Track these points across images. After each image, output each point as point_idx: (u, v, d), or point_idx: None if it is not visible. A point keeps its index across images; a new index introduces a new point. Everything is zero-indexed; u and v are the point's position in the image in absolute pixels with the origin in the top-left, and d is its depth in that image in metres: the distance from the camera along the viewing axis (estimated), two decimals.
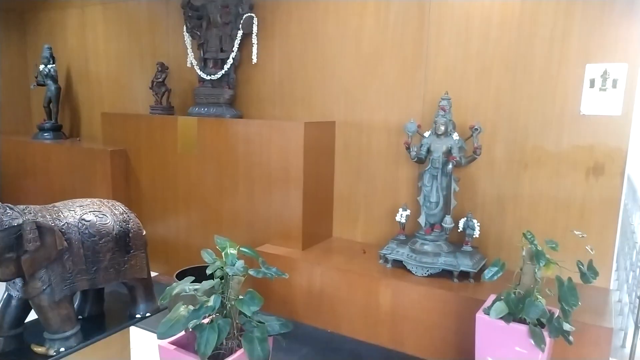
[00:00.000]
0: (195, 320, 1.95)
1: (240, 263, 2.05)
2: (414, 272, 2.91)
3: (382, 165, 3.41)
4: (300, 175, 3.28)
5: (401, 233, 3.15)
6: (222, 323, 1.97)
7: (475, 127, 2.82)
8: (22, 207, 1.78)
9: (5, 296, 1.91)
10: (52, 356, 1.84)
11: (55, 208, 1.92)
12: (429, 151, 2.95)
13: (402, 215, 3.11)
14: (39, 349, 1.87)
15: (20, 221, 1.69)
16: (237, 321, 2.05)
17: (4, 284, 1.85)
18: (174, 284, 2.07)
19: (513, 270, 2.29)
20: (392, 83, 3.29)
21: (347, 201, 3.61)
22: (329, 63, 3.53)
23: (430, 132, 2.97)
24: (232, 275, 2.03)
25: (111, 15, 4.77)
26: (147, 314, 2.20)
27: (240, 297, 2.05)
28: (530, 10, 2.79)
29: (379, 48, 3.31)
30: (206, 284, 2.04)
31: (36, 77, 4.91)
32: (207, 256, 2.16)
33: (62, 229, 1.82)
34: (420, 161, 3.00)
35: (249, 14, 3.63)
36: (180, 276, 3.03)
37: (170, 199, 3.98)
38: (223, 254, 2.11)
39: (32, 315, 1.96)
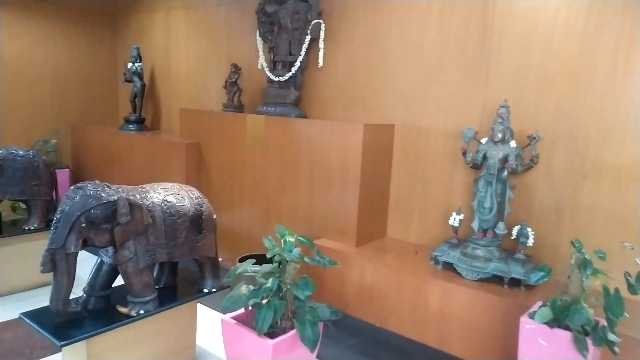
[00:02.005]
0: (254, 299, 2.19)
1: (297, 250, 2.27)
2: (464, 275, 3.00)
3: (438, 169, 3.52)
4: (357, 174, 3.46)
5: (454, 236, 3.24)
6: (277, 304, 2.19)
7: (533, 135, 2.87)
8: (116, 186, 2.11)
9: (98, 262, 2.26)
10: (132, 316, 2.16)
11: (143, 189, 2.24)
12: (485, 157, 3.02)
13: (455, 219, 3.20)
14: (123, 309, 2.20)
15: (116, 197, 2.02)
16: (291, 304, 2.27)
17: (97, 251, 2.20)
18: (238, 264, 2.33)
19: (565, 281, 2.33)
20: (452, 89, 3.40)
21: (402, 203, 3.74)
22: (391, 68, 3.69)
23: (487, 138, 3.04)
24: (289, 260, 2.25)
25: (192, 19, 5.22)
26: (213, 290, 2.48)
27: (296, 282, 2.27)
28: (595, 21, 2.80)
29: (441, 54, 3.43)
30: (266, 267, 2.28)
31: (124, 74, 5.45)
32: (267, 242, 2.40)
33: (149, 207, 2.13)
34: (476, 167, 3.09)
35: (317, 20, 3.87)
36: (243, 261, 3.31)
37: (236, 190, 4.31)
38: (282, 241, 2.34)
39: (119, 281, 2.29)
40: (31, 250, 3.30)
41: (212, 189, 4.52)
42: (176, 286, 2.50)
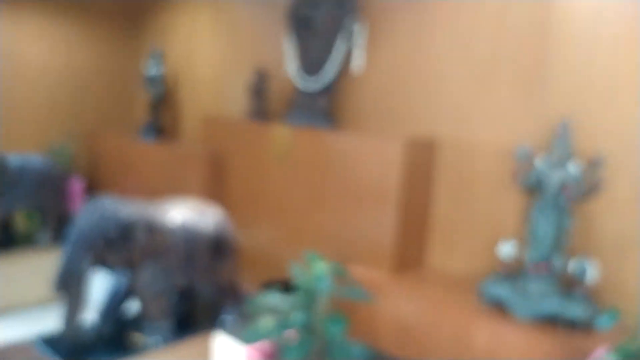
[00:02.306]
0: (279, 333, 2.11)
1: (328, 280, 2.18)
2: (515, 313, 2.83)
3: (485, 191, 3.37)
4: (395, 195, 3.33)
5: (503, 268, 3.08)
6: (306, 339, 2.10)
7: (596, 157, 2.71)
8: (135, 202, 2.07)
9: (114, 284, 2.22)
10: (148, 343, 2.10)
11: (163, 207, 2.19)
12: (540, 181, 2.88)
13: (505, 249, 3.05)
14: (137, 336, 2.15)
15: (135, 217, 1.98)
16: (320, 340, 2.17)
17: (113, 272, 2.16)
18: (262, 293, 2.25)
19: (632, 324, 2.17)
20: (504, 102, 3.25)
21: (444, 227, 3.59)
22: (434, 77, 3.56)
23: (544, 159, 2.89)
24: (320, 292, 2.16)
25: (216, 21, 5.21)
26: (234, 318, 2.41)
27: (326, 316, 2.18)
28: None
29: (492, 63, 3.29)
30: (293, 298, 2.20)
31: (145, 80, 5.49)
32: (295, 270, 2.32)
33: (168, 227, 2.08)
34: (530, 191, 2.94)
35: (354, 25, 3.80)
36: (266, 287, 3.24)
37: (258, 206, 4.23)
38: (312, 268, 2.25)
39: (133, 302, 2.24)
40: (44, 263, 3.30)
41: (233, 204, 4.44)
42: (194, 313, 2.44)
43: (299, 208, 3.90)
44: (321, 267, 2.21)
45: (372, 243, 3.46)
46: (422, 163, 3.51)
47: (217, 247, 2.26)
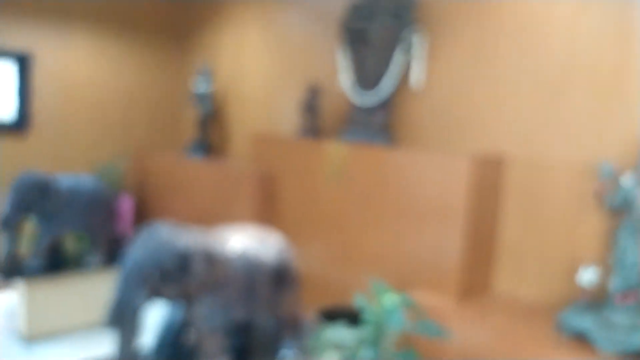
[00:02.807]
0: None
1: (400, 314, 2.02)
2: (599, 348, 2.58)
3: (561, 212, 3.13)
4: (460, 215, 3.15)
5: (584, 297, 2.83)
6: None
7: None
8: (192, 230, 1.98)
9: (167, 317, 2.13)
10: None
11: (221, 234, 2.09)
12: (629, 201, 2.63)
13: (585, 276, 2.80)
14: None
15: (192, 247, 1.88)
16: None
17: (169, 303, 2.07)
18: (324, 325, 2.11)
19: None
20: (581, 114, 3.02)
21: (513, 250, 3.37)
22: (501, 89, 3.38)
23: (631, 177, 2.65)
24: (390, 327, 2.00)
25: (266, 36, 5.20)
26: (295, 353, 2.28)
27: (396, 351, 2.02)
28: None
29: (566, 72, 3.08)
30: (359, 332, 2.05)
31: (193, 97, 5.52)
32: (360, 300, 2.17)
33: (228, 257, 1.98)
34: (617, 212, 2.69)
35: (412, 36, 3.66)
36: (325, 317, 3.10)
37: (311, 227, 4.12)
38: (380, 300, 2.10)
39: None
40: (95, 287, 3.30)
41: (285, 224, 4.35)
42: (253, 348, 2.32)
43: (356, 229, 3.76)
44: (391, 300, 2.05)
45: (435, 266, 3.28)
46: (489, 181, 3.32)
47: (278, 278, 2.14)
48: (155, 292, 1.85)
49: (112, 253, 3.49)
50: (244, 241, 2.08)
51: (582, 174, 3.01)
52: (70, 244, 3.92)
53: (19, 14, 5.04)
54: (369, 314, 2.04)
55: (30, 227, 3.58)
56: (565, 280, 3.11)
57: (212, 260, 1.91)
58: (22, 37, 5.10)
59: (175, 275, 1.85)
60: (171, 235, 1.88)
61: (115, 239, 3.53)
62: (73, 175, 3.48)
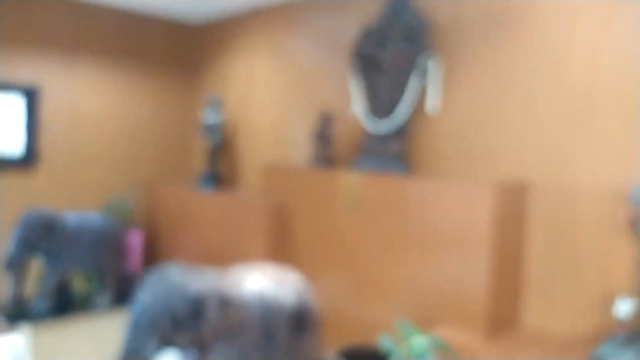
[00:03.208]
0: None
1: (429, 357, 1.88)
2: None
3: (591, 240, 2.99)
4: (485, 246, 3.02)
5: (622, 330, 2.67)
6: None
7: None
8: (205, 271, 1.86)
9: None
10: None
11: (236, 275, 1.97)
12: None
13: (622, 308, 2.65)
14: None
15: (206, 290, 1.76)
16: None
17: (181, 353, 1.94)
18: None
19: None
20: (609, 137, 2.91)
21: (542, 281, 3.22)
22: (521, 113, 3.28)
23: None
24: None
25: (276, 66, 5.17)
26: None
27: None
28: None
29: (590, 97, 2.98)
30: None
31: (202, 128, 5.46)
32: (386, 342, 2.03)
33: (243, 300, 1.85)
34: None
35: (427, 62, 3.59)
36: (345, 356, 2.95)
37: (327, 261, 3.99)
38: (408, 342, 1.96)
39: None
40: (104, 329, 3.16)
41: (298, 257, 4.24)
42: None
43: (375, 262, 3.64)
44: (419, 342, 1.91)
45: (460, 300, 3.14)
46: (512, 209, 3.21)
47: (298, 322, 2.00)
48: (166, 341, 1.72)
49: (122, 292, 3.37)
50: (260, 282, 1.96)
51: (613, 200, 2.88)
52: (78, 283, 3.81)
53: (26, 48, 5.05)
54: (396, 357, 1.89)
55: (36, 267, 3.48)
56: (599, 312, 2.95)
57: (227, 304, 1.79)
58: (30, 71, 5.09)
59: (187, 322, 1.72)
60: (183, 277, 1.76)
61: (124, 277, 3.41)
62: (80, 212, 3.38)
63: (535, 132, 3.22)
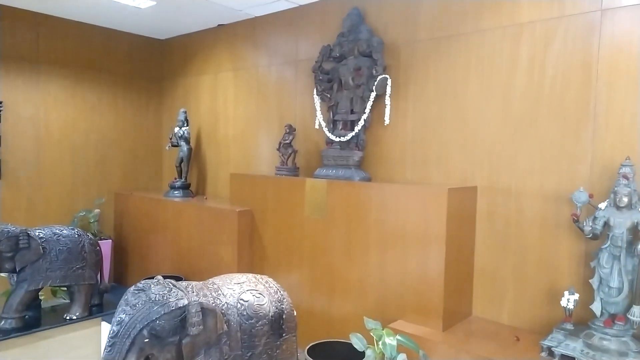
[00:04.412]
0: None
1: (402, 357, 1.80)
2: None
3: (535, 237, 3.01)
4: (441, 245, 2.98)
5: (568, 321, 2.68)
6: None
7: None
8: (184, 284, 1.71)
9: None
10: None
11: (214, 285, 1.83)
12: (607, 226, 2.52)
13: (569, 300, 2.66)
14: None
15: (186, 302, 1.61)
16: None
17: None
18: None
19: None
20: (549, 145, 2.94)
21: (491, 276, 3.21)
22: (470, 124, 3.28)
23: (607, 203, 2.54)
24: None
25: (241, 80, 5.02)
26: None
27: None
28: None
29: (533, 107, 3.00)
30: None
31: (170, 139, 5.23)
32: (357, 342, 1.94)
33: (223, 310, 1.71)
34: (595, 237, 2.58)
35: (383, 76, 3.55)
36: (311, 351, 2.84)
37: (294, 263, 3.87)
38: (379, 343, 1.88)
39: None
40: (74, 341, 2.92)
41: (266, 261, 4.10)
42: None
43: (337, 262, 3.55)
44: (391, 343, 1.83)
45: (420, 297, 3.10)
46: (464, 210, 3.20)
47: (276, 326, 1.87)
48: (147, 356, 1.56)
49: (94, 304, 3.14)
50: (239, 291, 1.83)
51: (554, 199, 2.91)
52: (49, 297, 3.51)
53: None
54: (369, 356, 1.81)
55: (3, 284, 3.18)
56: (545, 304, 2.96)
57: (208, 314, 1.65)
58: None
59: (168, 336, 1.57)
60: (162, 291, 1.60)
61: (97, 290, 3.17)
62: (48, 226, 3.11)
63: (483, 140, 3.22)
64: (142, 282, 1.64)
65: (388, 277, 3.26)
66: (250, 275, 1.99)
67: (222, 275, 1.95)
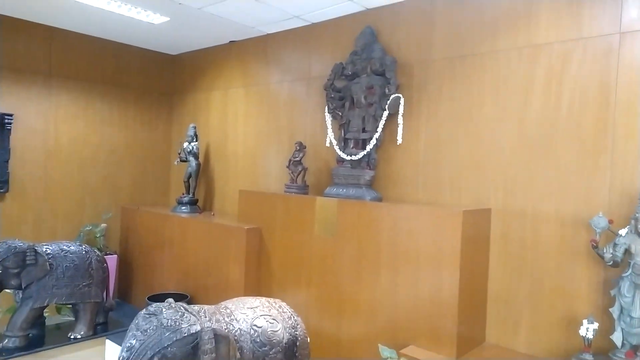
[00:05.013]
0: None
1: None
2: None
3: (552, 263, 2.93)
4: (455, 268, 2.91)
5: (587, 351, 2.59)
6: None
7: None
8: (196, 308, 1.66)
9: None
10: None
11: (227, 310, 1.77)
12: (627, 253, 2.45)
13: (588, 329, 2.57)
14: None
15: (199, 328, 1.55)
16: None
17: None
18: None
19: None
20: (567, 168, 2.88)
21: (505, 302, 3.13)
22: (484, 145, 3.23)
23: (628, 229, 2.48)
24: None
25: (252, 96, 5.01)
26: None
27: None
28: None
29: (549, 129, 2.95)
30: None
31: (179, 154, 5.21)
32: None
33: (235, 336, 1.66)
34: (616, 265, 2.50)
35: (396, 95, 3.52)
36: None
37: (302, 282, 3.80)
38: None
39: None
40: (83, 359, 2.86)
41: (275, 280, 4.02)
42: None
43: (348, 284, 3.48)
44: None
45: (432, 321, 3.01)
46: (478, 234, 3.14)
47: (289, 354, 1.81)
48: None
49: (100, 322, 3.08)
50: (252, 316, 1.77)
51: (572, 224, 2.84)
52: (52, 314, 3.45)
53: None
54: None
55: (8, 300, 3.13)
56: (561, 332, 2.87)
57: (220, 339, 1.59)
58: (1, 97, 4.67)
59: None
60: (174, 316, 1.55)
61: (102, 308, 3.11)
62: (54, 241, 3.06)
63: (498, 162, 3.17)
64: (154, 305, 1.58)
65: (399, 300, 3.19)
66: (263, 299, 1.94)
67: (234, 299, 1.89)
